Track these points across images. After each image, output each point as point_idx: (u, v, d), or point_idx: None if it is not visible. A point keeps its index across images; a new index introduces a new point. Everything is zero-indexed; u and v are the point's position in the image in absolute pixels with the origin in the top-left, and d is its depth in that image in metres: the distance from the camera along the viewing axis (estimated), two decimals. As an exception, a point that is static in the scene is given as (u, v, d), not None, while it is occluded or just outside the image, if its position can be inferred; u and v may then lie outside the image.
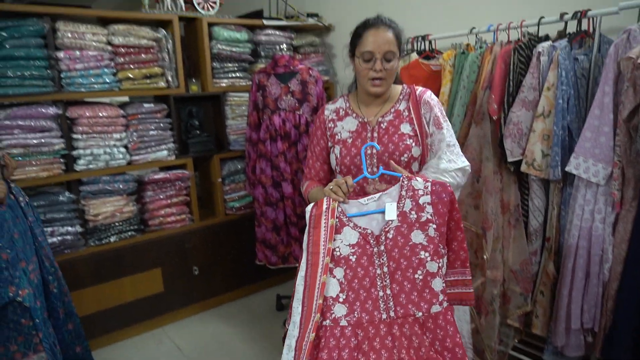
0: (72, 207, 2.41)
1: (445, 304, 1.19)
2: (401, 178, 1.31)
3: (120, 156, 2.54)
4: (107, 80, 2.46)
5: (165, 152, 2.70)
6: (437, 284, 1.20)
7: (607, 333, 1.77)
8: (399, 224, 1.26)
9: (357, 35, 1.48)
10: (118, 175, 2.55)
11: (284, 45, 3.07)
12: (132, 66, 2.53)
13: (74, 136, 2.40)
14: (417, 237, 1.24)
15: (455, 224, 1.28)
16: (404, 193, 1.28)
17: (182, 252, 2.82)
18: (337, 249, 1.28)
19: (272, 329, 2.73)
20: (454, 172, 1.46)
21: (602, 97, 1.67)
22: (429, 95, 1.54)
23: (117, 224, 2.58)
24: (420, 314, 1.18)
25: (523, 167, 1.91)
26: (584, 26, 1.88)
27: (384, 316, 1.20)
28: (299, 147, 2.49)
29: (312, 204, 1.36)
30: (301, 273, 1.30)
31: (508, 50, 1.97)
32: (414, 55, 2.42)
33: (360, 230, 1.29)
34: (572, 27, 1.92)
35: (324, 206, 1.33)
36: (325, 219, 1.31)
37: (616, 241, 1.72)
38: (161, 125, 2.67)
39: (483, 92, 2.03)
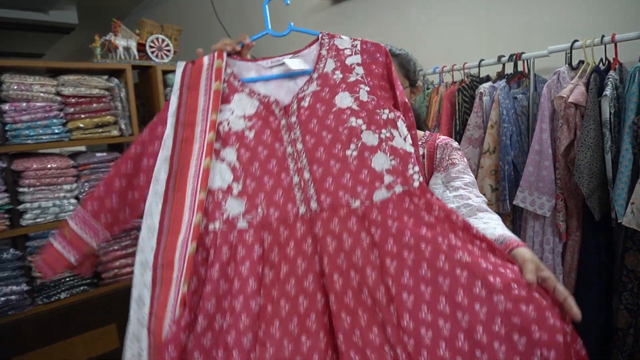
0: (18, 264, 2.27)
1: (398, 189, 0.82)
2: (319, 36, 0.94)
3: (71, 208, 2.44)
4: (56, 131, 2.39)
5: (119, 202, 2.62)
6: (381, 161, 0.83)
7: (566, 362, 1.80)
8: (318, 88, 0.88)
9: None
10: (69, 227, 2.44)
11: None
12: (82, 116, 2.47)
13: (20, 190, 2.29)
14: (344, 100, 0.87)
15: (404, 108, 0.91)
16: (324, 52, 0.92)
17: (139, 305, 2.69)
18: (225, 122, 0.87)
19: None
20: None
21: (541, 134, 1.77)
22: (450, 141, 1.29)
23: (67, 279, 2.44)
24: (358, 202, 0.81)
25: (474, 202, 1.97)
26: (520, 67, 2.01)
27: (302, 210, 0.81)
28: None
29: (185, 62, 0.92)
30: (164, 153, 0.85)
31: (453, 91, 2.07)
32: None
33: (259, 97, 0.89)
34: (509, 69, 2.05)
35: (205, 62, 0.90)
36: (206, 81, 0.89)
37: (565, 270, 1.78)
38: (115, 174, 2.60)
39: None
